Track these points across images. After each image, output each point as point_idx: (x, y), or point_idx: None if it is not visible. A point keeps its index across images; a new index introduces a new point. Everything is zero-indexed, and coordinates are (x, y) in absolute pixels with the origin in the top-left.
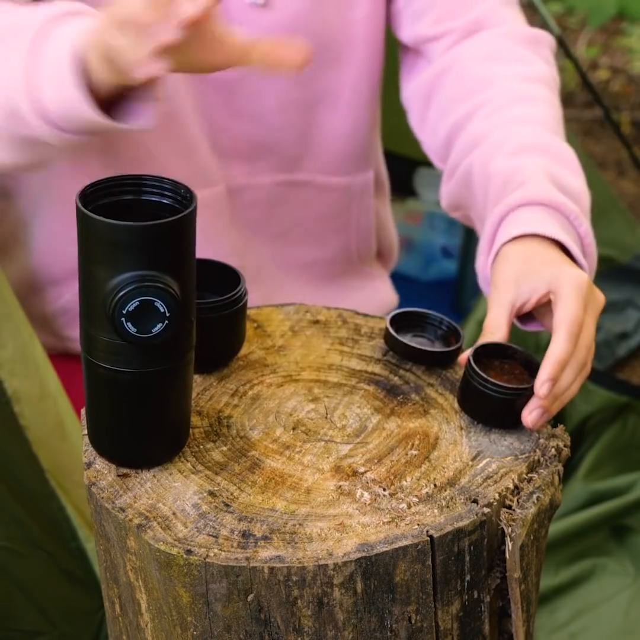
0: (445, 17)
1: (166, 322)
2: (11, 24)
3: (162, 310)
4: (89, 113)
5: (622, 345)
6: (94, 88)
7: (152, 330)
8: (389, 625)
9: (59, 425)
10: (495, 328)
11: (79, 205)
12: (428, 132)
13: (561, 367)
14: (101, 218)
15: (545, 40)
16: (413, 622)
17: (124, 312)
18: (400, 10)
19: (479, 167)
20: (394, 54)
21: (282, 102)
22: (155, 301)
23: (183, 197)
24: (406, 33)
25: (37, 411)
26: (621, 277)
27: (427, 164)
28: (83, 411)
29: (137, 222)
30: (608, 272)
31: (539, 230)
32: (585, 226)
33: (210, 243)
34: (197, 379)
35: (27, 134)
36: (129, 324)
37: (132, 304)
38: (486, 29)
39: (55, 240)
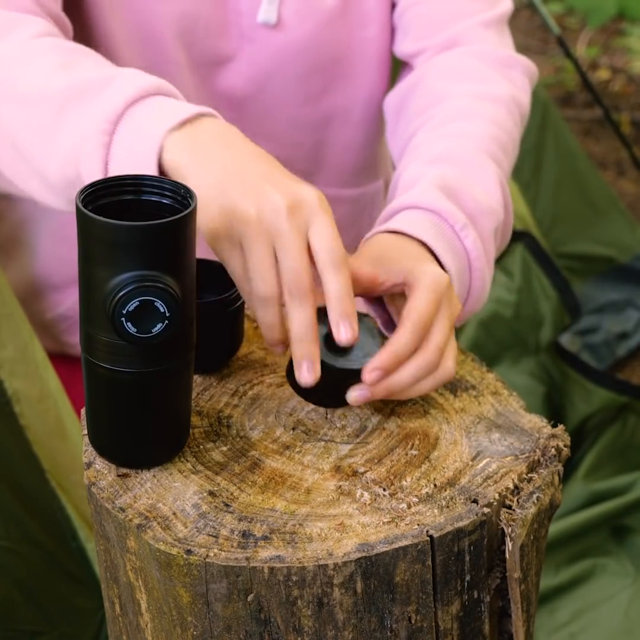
0: (425, 35)
1: (166, 322)
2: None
3: (162, 310)
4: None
5: (622, 345)
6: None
7: (152, 330)
8: (389, 625)
9: (59, 425)
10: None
11: (79, 205)
12: (394, 144)
13: (397, 358)
14: (101, 218)
15: (521, 65)
16: (413, 622)
17: (124, 312)
18: (395, 27)
19: (398, 176)
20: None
21: (294, 120)
22: (155, 301)
23: (183, 197)
24: (396, 48)
25: (37, 411)
26: (621, 277)
27: None
28: (83, 411)
29: (137, 222)
30: (608, 272)
31: (403, 228)
32: (473, 239)
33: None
34: (197, 379)
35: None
36: (129, 324)
37: (132, 304)
38: (459, 47)
39: (56, 245)
